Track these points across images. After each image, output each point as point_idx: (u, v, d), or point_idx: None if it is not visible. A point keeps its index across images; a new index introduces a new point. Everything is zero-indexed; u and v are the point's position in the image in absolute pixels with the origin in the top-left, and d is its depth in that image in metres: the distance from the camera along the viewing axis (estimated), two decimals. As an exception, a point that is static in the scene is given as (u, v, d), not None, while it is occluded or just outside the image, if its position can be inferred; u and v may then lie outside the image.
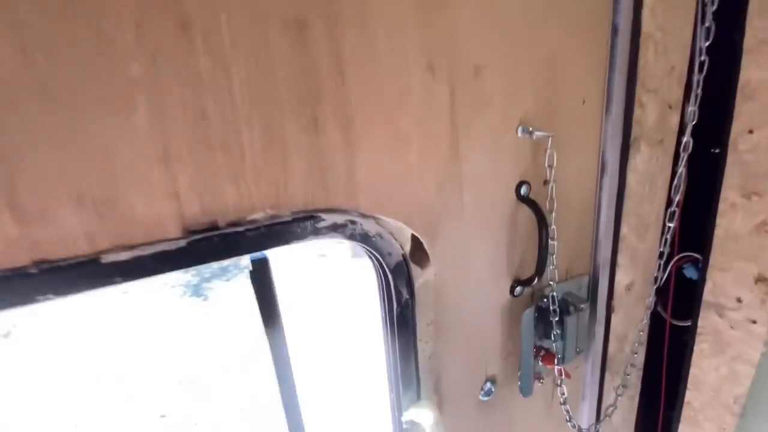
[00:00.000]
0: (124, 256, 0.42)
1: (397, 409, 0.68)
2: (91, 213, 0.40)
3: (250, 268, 0.51)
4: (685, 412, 0.94)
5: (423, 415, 0.67)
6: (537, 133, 0.63)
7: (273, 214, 0.48)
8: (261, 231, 0.48)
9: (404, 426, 0.68)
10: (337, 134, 0.49)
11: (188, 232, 0.44)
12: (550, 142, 0.64)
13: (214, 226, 0.45)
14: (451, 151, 0.58)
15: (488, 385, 0.76)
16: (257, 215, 0.47)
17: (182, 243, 0.44)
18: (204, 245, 0.45)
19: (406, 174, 0.55)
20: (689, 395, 0.93)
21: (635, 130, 0.73)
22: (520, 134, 0.63)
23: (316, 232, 0.51)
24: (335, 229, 0.52)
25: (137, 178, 0.41)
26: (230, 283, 6.20)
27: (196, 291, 5.96)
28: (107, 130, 0.39)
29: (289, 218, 0.49)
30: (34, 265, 0.39)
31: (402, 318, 0.62)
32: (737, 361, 0.82)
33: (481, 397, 0.76)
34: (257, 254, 0.51)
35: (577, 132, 0.70)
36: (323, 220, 0.51)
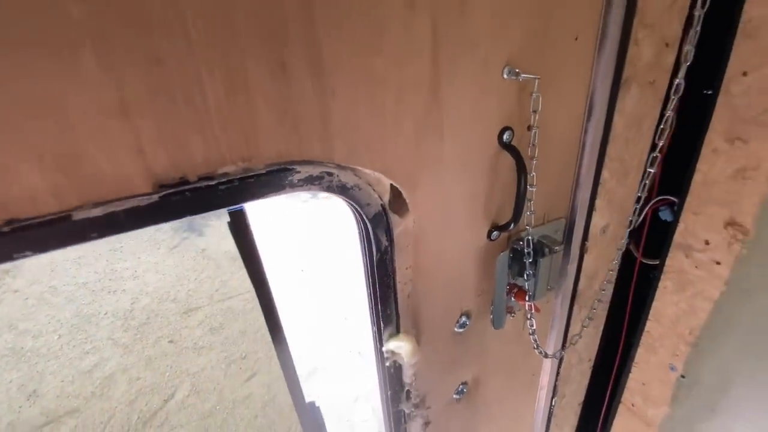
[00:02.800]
0: (96, 212, 0.42)
1: (379, 341, 0.74)
2: (54, 170, 0.39)
3: (228, 219, 0.52)
4: (644, 340, 1.04)
5: (401, 346, 0.72)
6: (523, 75, 0.60)
7: (245, 167, 0.47)
8: (234, 184, 0.47)
9: (385, 355, 0.74)
10: (307, 79, 0.46)
11: (159, 186, 0.44)
12: (536, 85, 0.61)
13: (184, 181, 0.45)
14: (431, 96, 0.55)
15: (463, 318, 0.82)
16: (228, 168, 0.46)
17: (154, 198, 0.44)
18: (176, 200, 0.45)
19: (383, 121, 0.53)
20: (649, 325, 1.01)
21: (628, 70, 0.70)
22: (505, 76, 0.60)
23: (292, 185, 0.50)
24: (311, 181, 0.51)
25: (96, 132, 0.39)
26: (222, 220, 6.26)
27: (191, 227, 6.08)
28: (53, 80, 0.36)
29: (263, 171, 0.48)
30: (6, 225, 0.39)
31: (382, 264, 0.64)
32: (697, 297, 0.89)
33: (456, 329, 0.82)
34: (232, 207, 0.51)
35: (567, 72, 0.67)
36: (298, 172, 0.50)
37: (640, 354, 1.06)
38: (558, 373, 1.07)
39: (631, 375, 1.11)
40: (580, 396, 1.21)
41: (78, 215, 0.41)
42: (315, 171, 0.51)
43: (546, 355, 0.92)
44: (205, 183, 0.46)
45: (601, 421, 1.23)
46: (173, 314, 4.35)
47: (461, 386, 0.92)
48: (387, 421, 0.88)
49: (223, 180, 0.46)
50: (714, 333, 0.88)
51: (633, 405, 1.14)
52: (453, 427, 0.97)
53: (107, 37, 0.36)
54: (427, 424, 0.90)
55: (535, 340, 0.87)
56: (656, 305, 0.98)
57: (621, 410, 1.18)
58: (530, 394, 1.11)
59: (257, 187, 0.48)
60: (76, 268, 4.74)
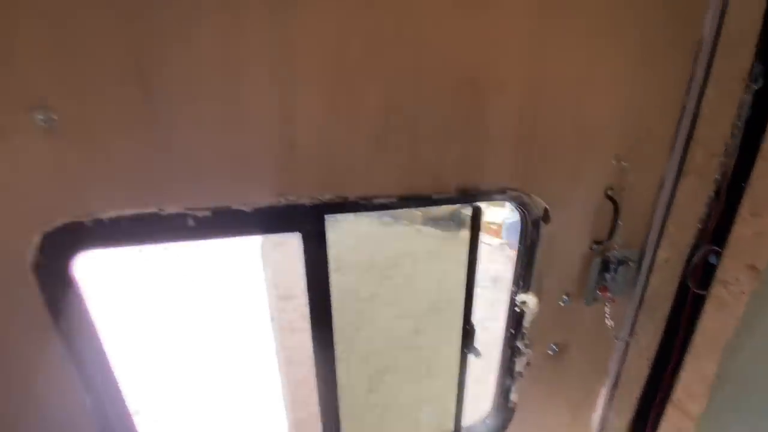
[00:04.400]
0: (434, 195, 1.08)
1: (516, 292, 1.32)
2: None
3: (471, 212, 1.16)
4: (691, 348, 1.47)
5: (530, 299, 1.30)
6: (623, 163, 1.18)
7: (488, 187, 1.11)
8: (484, 193, 1.11)
9: (517, 303, 1.32)
10: (524, 161, 1.10)
11: (457, 190, 1.09)
12: (629, 167, 1.19)
13: (467, 190, 1.10)
14: (576, 168, 1.16)
15: (565, 297, 1.36)
16: (484, 187, 1.11)
17: (454, 195, 1.09)
18: (460, 197, 1.10)
19: (553, 179, 1.15)
20: (696, 338, 1.45)
21: (686, 167, 1.24)
22: (614, 162, 1.19)
23: (507, 198, 1.14)
24: (514, 198, 1.14)
25: (442, 169, 1.06)
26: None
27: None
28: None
29: (497, 189, 1.12)
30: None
31: (531, 249, 1.24)
32: (729, 316, 1.33)
33: (560, 302, 1.37)
34: (476, 203, 1.15)
35: (649, 162, 1.23)
36: (509, 192, 1.13)
37: (687, 359, 1.49)
38: (623, 361, 1.53)
39: (678, 375, 1.53)
40: (638, 389, 1.63)
41: (435, 196, 1.08)
42: (516, 194, 1.14)
43: (616, 337, 1.42)
44: (474, 192, 1.10)
45: (652, 411, 1.63)
46: (273, 298, 5.19)
47: (554, 345, 1.44)
48: (504, 352, 1.43)
49: (480, 193, 1.11)
50: (738, 341, 1.31)
51: (678, 400, 1.54)
52: (543, 375, 1.48)
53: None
54: (528, 363, 1.44)
55: (610, 324, 1.38)
56: (701, 323, 1.42)
57: (667, 404, 1.58)
58: (601, 375, 1.58)
59: (495, 194, 1.12)
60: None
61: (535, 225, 1.21)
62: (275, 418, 3.45)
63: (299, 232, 1.05)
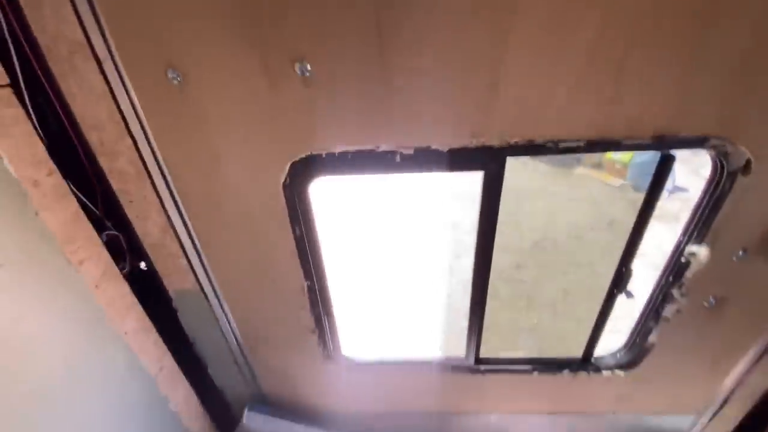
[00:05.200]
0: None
1: (685, 243, 1.29)
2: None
3: (659, 159, 1.12)
4: None
5: (701, 251, 1.26)
6: None
7: (689, 134, 1.05)
8: (682, 141, 1.06)
9: (685, 253, 1.29)
10: (737, 106, 0.99)
11: (655, 137, 1.05)
12: None
13: (663, 137, 1.05)
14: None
15: (741, 252, 1.29)
16: (685, 133, 1.05)
17: (649, 141, 1.06)
18: (658, 144, 1.06)
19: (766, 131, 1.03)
20: None
21: None
22: None
23: (706, 147, 1.07)
24: (715, 146, 1.07)
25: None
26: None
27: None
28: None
29: (696, 137, 1.05)
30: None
31: (719, 199, 1.17)
32: None
33: (733, 258, 1.30)
34: (668, 152, 1.11)
35: None
36: (710, 140, 1.06)
37: None
38: (791, 325, 1.44)
39: None
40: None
41: (626, 142, 1.06)
42: (720, 142, 1.06)
43: (793, 300, 1.32)
44: (675, 140, 1.05)
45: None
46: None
47: (713, 298, 1.41)
48: (655, 294, 1.45)
49: (678, 140, 1.05)
50: None
51: None
52: (692, 324, 1.48)
53: None
54: (678, 311, 1.44)
55: (790, 284, 1.28)
56: None
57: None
58: (756, 334, 1.51)
59: (694, 143, 1.06)
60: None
61: (731, 176, 1.13)
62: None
63: (483, 170, 1.15)
